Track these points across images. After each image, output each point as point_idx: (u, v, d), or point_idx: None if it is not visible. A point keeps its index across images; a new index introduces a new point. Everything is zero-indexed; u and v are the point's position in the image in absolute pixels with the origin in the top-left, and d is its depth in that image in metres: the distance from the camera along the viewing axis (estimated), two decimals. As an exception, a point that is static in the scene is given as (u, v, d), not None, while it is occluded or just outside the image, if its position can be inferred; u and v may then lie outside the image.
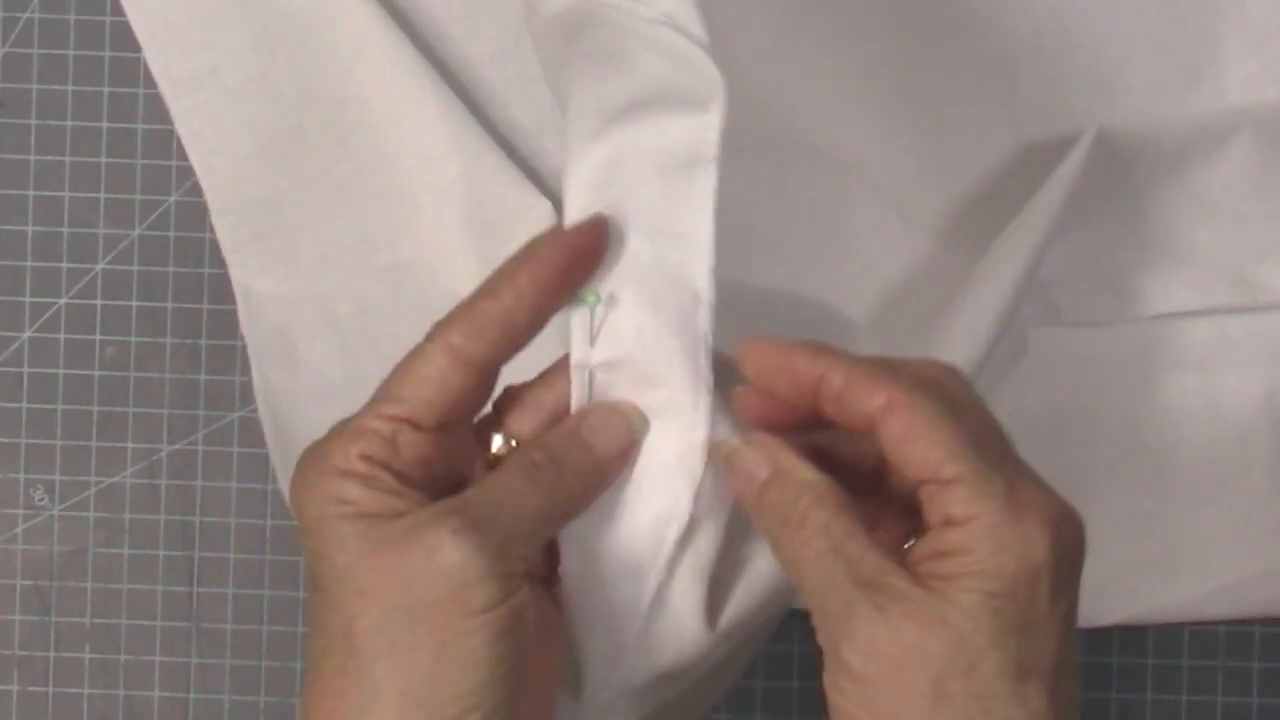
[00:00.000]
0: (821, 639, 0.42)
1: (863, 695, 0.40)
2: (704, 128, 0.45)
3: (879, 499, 0.45)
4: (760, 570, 0.46)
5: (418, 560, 0.41)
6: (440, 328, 0.44)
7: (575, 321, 0.45)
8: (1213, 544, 0.59)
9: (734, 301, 0.46)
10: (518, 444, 0.46)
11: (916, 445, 0.41)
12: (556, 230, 0.45)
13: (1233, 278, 0.59)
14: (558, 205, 0.58)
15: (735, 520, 0.46)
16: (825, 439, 0.45)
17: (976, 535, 0.40)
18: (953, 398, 0.42)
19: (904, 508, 0.44)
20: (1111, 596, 0.59)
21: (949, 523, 0.40)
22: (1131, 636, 0.62)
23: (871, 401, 0.42)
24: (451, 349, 0.43)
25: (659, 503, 0.45)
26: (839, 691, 0.41)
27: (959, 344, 0.54)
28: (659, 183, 0.45)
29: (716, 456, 0.45)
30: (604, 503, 0.45)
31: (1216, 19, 0.59)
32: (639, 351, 0.45)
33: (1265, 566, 0.59)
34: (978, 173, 0.60)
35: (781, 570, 0.44)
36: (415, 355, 0.44)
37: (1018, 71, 0.60)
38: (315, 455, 0.43)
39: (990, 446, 0.42)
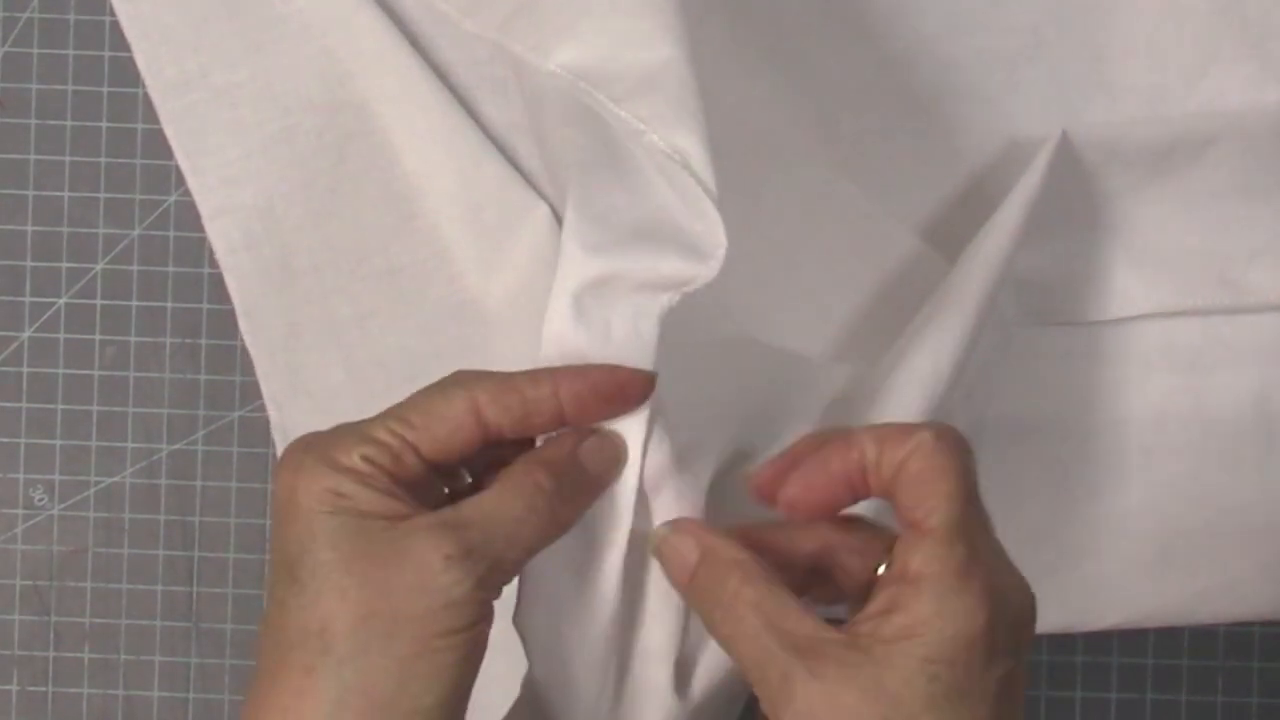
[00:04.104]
0: (765, 710, 0.43)
1: None
2: (697, 274, 0.46)
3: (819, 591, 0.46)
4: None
5: (406, 575, 0.42)
6: (473, 378, 0.44)
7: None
8: (1202, 544, 0.59)
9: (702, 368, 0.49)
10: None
11: (923, 488, 0.42)
12: (616, 366, 0.46)
13: (1220, 279, 0.59)
14: (556, 206, 0.58)
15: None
16: (760, 530, 0.46)
17: (924, 595, 0.41)
18: (964, 455, 0.43)
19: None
20: (1105, 599, 0.59)
21: (904, 576, 0.42)
22: (1131, 636, 0.62)
23: (904, 448, 0.43)
24: (474, 404, 0.44)
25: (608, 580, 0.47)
26: None
27: (940, 341, 0.53)
28: (631, 296, 0.46)
29: (647, 548, 0.46)
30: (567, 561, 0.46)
31: (1216, 19, 0.59)
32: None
33: (1256, 566, 0.59)
34: (973, 174, 0.60)
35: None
36: (439, 392, 0.44)
37: (1018, 71, 0.60)
38: (317, 444, 0.44)
39: (974, 511, 0.42)
